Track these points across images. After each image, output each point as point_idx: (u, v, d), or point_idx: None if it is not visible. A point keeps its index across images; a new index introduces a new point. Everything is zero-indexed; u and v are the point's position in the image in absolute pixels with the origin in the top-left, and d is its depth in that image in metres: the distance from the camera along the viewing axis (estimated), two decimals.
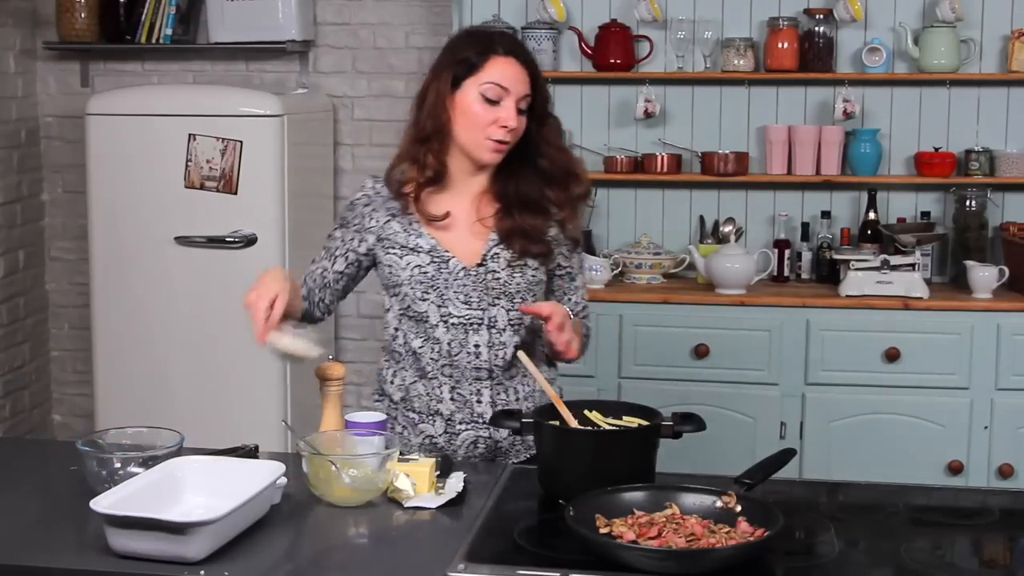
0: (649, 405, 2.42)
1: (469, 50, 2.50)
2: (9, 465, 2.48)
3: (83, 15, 4.78)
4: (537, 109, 2.54)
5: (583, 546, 1.93)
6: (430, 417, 2.57)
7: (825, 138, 4.45)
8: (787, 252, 4.47)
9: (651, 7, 4.46)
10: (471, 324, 2.53)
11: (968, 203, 4.42)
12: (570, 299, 2.65)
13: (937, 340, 4.09)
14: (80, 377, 5.05)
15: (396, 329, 2.60)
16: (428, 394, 2.56)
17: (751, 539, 1.93)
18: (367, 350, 4.95)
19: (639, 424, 2.32)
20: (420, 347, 2.55)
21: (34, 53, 4.97)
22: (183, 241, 4.38)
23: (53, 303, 5.13)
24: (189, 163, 4.36)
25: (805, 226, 4.55)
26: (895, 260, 4.20)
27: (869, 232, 4.43)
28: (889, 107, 4.53)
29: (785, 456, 2.26)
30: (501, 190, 2.56)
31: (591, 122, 4.64)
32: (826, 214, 4.54)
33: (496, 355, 2.54)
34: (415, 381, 2.57)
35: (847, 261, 4.25)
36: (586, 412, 2.37)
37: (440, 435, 2.56)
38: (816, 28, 4.44)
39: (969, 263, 4.26)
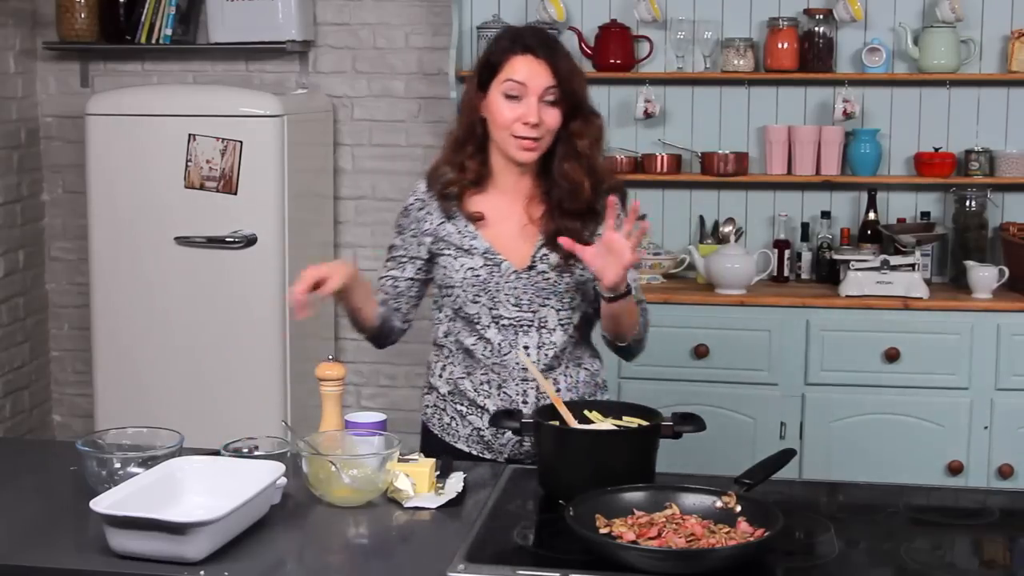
0: (649, 405, 2.42)
1: (491, 52, 2.56)
2: (9, 465, 2.48)
3: (83, 15, 4.78)
4: (564, 103, 2.52)
5: (583, 546, 1.92)
6: (477, 410, 2.60)
7: (825, 138, 4.45)
8: (787, 252, 4.47)
9: (651, 7, 4.46)
10: (521, 325, 2.56)
11: (968, 203, 4.42)
12: None
13: (937, 340, 4.09)
14: (80, 377, 5.05)
15: (447, 327, 2.63)
16: (475, 390, 2.60)
17: (751, 539, 1.93)
18: (367, 350, 4.93)
19: (639, 424, 2.32)
20: (472, 345, 2.59)
21: (34, 53, 4.97)
22: (183, 241, 4.37)
23: (53, 303, 5.13)
24: (189, 163, 4.36)
25: (805, 226, 4.55)
26: (895, 260, 4.20)
27: (869, 232, 4.43)
28: (889, 107, 4.53)
29: (785, 456, 2.26)
30: (546, 191, 2.58)
31: None
32: (826, 214, 4.54)
33: (546, 355, 2.58)
34: (463, 377, 2.61)
35: (847, 261, 4.25)
36: (586, 412, 2.38)
37: (487, 428, 2.58)
38: (816, 28, 4.44)
39: (969, 263, 4.26)
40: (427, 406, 2.72)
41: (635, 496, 2.07)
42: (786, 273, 4.48)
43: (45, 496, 2.29)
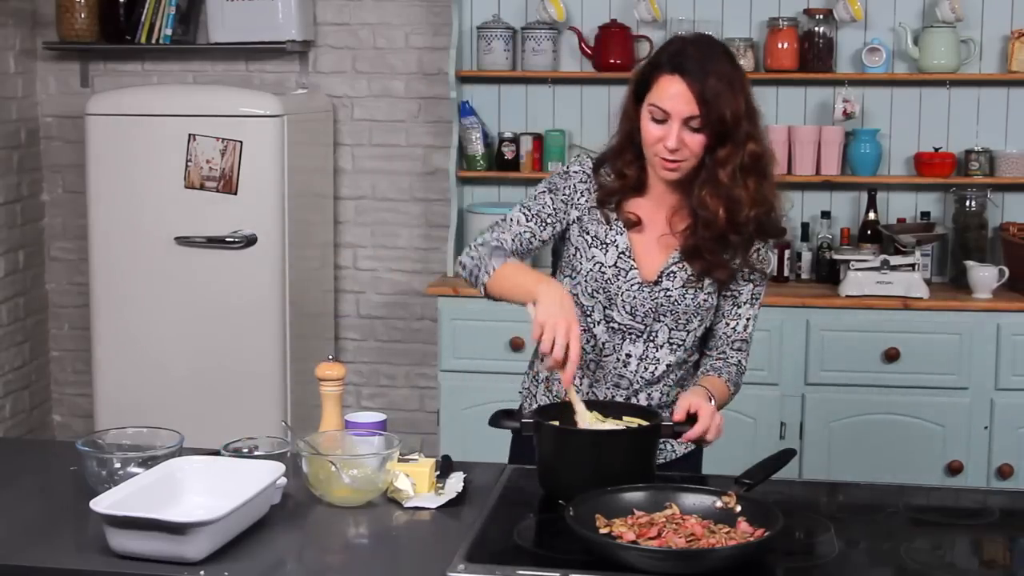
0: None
1: (647, 65, 2.46)
2: (9, 465, 2.48)
3: (83, 15, 4.77)
4: (709, 130, 2.37)
5: (583, 546, 1.93)
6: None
7: (825, 138, 4.45)
8: (787, 252, 4.47)
9: (651, 7, 4.46)
10: (630, 333, 2.52)
11: (968, 203, 4.42)
12: (729, 324, 2.57)
13: (937, 340, 4.09)
14: (80, 377, 5.05)
15: None
16: None
17: (751, 539, 1.93)
18: (367, 350, 4.95)
19: (639, 424, 2.32)
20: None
21: (34, 53, 4.97)
22: (183, 241, 4.37)
23: (53, 303, 5.13)
24: (189, 163, 4.36)
25: (805, 226, 4.55)
26: (895, 260, 4.20)
27: (869, 232, 4.43)
28: (889, 107, 4.53)
29: (785, 456, 2.26)
30: (692, 206, 2.48)
31: (591, 122, 4.63)
32: (826, 214, 4.54)
33: (645, 368, 2.54)
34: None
35: (847, 261, 4.25)
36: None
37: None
38: (816, 28, 4.44)
39: (969, 263, 4.26)
40: (524, 386, 2.68)
41: (635, 496, 2.07)
42: (786, 273, 4.48)
43: (45, 496, 2.29)
